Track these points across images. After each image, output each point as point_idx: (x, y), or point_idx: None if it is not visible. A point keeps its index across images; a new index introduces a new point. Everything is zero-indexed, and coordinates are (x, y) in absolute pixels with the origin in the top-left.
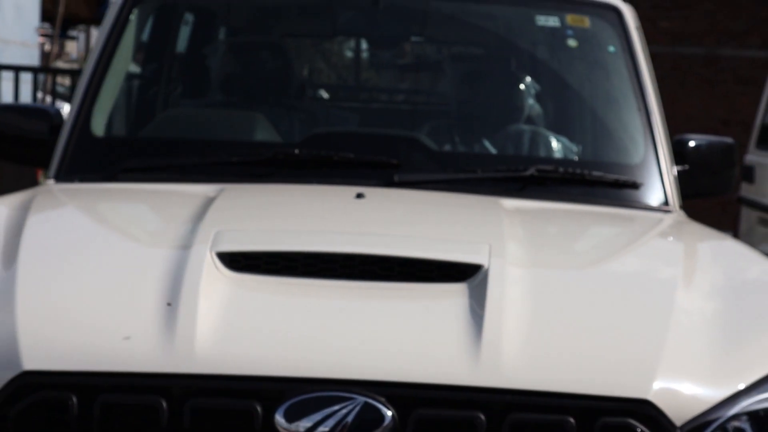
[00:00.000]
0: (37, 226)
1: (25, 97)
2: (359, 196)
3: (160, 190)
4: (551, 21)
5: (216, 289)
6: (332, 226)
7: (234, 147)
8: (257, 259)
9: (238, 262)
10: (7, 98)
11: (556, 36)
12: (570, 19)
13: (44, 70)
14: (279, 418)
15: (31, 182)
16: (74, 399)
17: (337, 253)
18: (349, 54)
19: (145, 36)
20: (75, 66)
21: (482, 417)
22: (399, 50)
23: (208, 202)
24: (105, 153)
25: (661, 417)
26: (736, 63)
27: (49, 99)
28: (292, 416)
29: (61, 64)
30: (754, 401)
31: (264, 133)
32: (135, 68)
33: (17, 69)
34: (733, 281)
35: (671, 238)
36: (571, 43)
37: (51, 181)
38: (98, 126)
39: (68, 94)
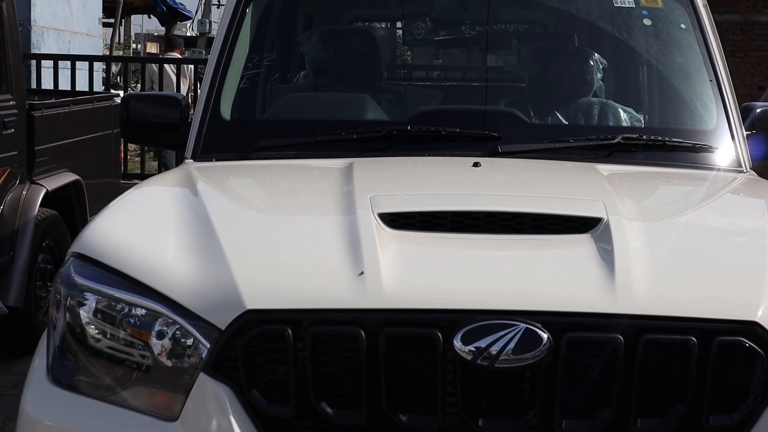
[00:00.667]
0: (213, 195)
1: (98, 85)
2: (476, 164)
3: (296, 165)
4: (628, 3)
5: (385, 243)
6: (465, 189)
7: (352, 125)
8: (412, 218)
9: (396, 221)
10: (83, 86)
11: (633, 15)
12: (644, 0)
13: (115, 59)
14: (457, 343)
15: None
16: (289, 331)
17: (480, 211)
18: (442, 42)
19: (259, 29)
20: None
21: (621, 338)
22: (485, 32)
23: (346, 173)
24: (236, 134)
25: (766, 335)
26: None
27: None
28: (467, 341)
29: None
30: None
31: (374, 112)
32: (253, 57)
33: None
34: None
35: (750, 193)
36: (646, 21)
37: (189, 161)
38: (226, 111)
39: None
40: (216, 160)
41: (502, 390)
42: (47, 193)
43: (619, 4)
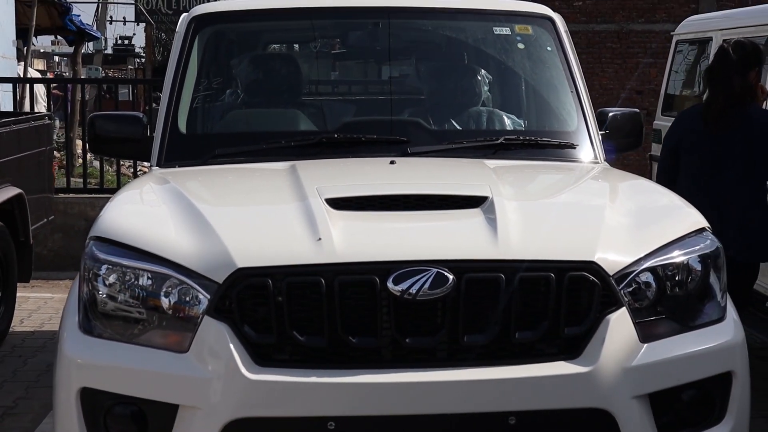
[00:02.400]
0: (191, 184)
1: (8, 106)
2: (392, 162)
3: (249, 167)
4: (505, 30)
5: (333, 219)
6: (386, 180)
7: (290, 135)
8: (350, 201)
9: (338, 204)
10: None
11: (509, 40)
12: (518, 28)
13: (25, 80)
14: (389, 284)
15: None
16: (270, 282)
17: (399, 194)
18: (357, 63)
19: (204, 55)
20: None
21: (503, 276)
22: (394, 58)
23: (292, 172)
24: (193, 145)
25: (601, 270)
26: (645, 37)
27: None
28: (396, 282)
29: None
30: (651, 262)
31: (305, 124)
32: (202, 80)
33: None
34: (640, 197)
35: (599, 177)
36: (520, 45)
37: (156, 168)
38: (183, 126)
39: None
40: (179, 167)
41: (421, 316)
42: None
43: (497, 32)
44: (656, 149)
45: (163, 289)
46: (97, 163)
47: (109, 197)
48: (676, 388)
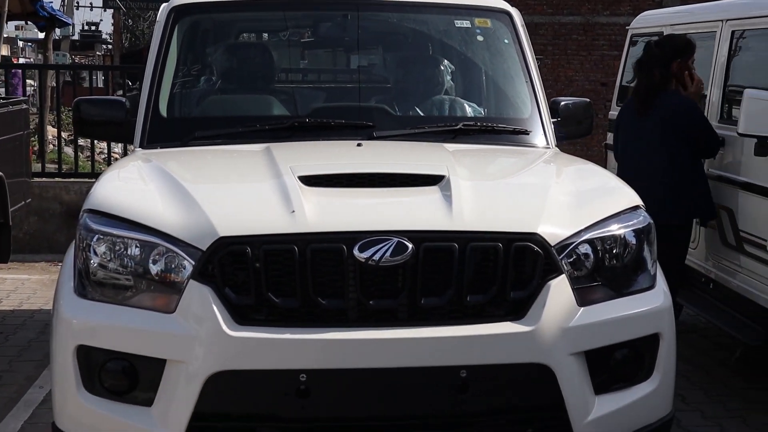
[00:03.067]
0: (173, 164)
1: None
2: (359, 144)
3: (227, 149)
4: (465, 23)
5: (305, 194)
6: (353, 159)
7: (264, 120)
8: (321, 178)
9: (310, 181)
10: None
11: (469, 33)
12: (477, 21)
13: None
14: (355, 252)
15: None
16: (248, 249)
17: (364, 173)
18: (326, 52)
19: (183, 43)
20: None
21: (456, 245)
22: (362, 48)
23: (266, 152)
24: (173, 128)
25: (543, 241)
26: (610, 30)
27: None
28: (361, 250)
29: None
30: (589, 235)
31: (279, 109)
32: (181, 67)
33: None
34: (582, 178)
35: (548, 160)
36: (479, 38)
37: (139, 149)
38: (163, 109)
39: None
40: (161, 148)
41: (384, 281)
42: None
43: (458, 25)
44: (611, 138)
45: (152, 257)
46: (69, 150)
47: (84, 181)
48: (609, 347)
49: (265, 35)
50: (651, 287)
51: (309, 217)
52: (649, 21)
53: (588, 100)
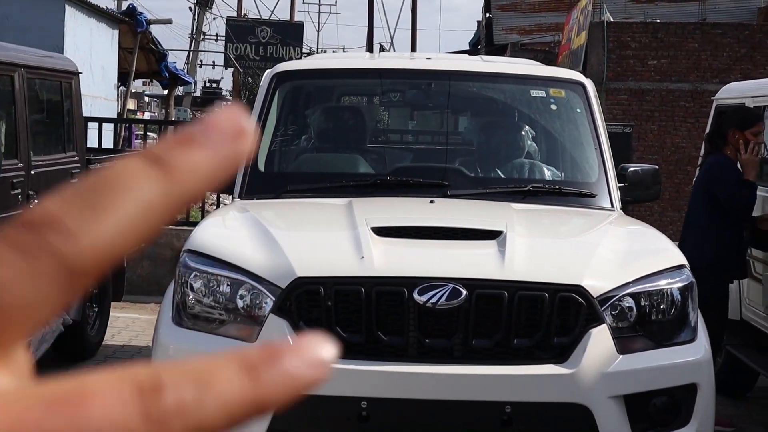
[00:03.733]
0: (265, 213)
1: (108, 142)
2: (431, 201)
3: (314, 201)
4: (540, 93)
5: (375, 243)
6: (422, 215)
7: (350, 176)
8: (390, 230)
9: (381, 232)
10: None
11: (544, 102)
12: (552, 91)
13: (126, 120)
14: (415, 295)
15: None
16: (321, 289)
17: (430, 226)
18: (409, 116)
19: (284, 105)
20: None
21: (506, 293)
22: (446, 113)
23: (348, 206)
24: (269, 181)
25: (586, 292)
26: None
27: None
28: (421, 294)
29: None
30: (632, 289)
31: (364, 167)
32: (279, 126)
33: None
34: (633, 238)
35: (607, 223)
36: (553, 106)
37: (237, 199)
38: (262, 165)
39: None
40: (257, 199)
41: (440, 322)
42: None
43: (533, 94)
44: None
45: (239, 292)
46: None
47: (193, 230)
48: (647, 393)
49: (358, 99)
50: (691, 340)
51: (376, 263)
52: (733, 92)
53: (656, 167)
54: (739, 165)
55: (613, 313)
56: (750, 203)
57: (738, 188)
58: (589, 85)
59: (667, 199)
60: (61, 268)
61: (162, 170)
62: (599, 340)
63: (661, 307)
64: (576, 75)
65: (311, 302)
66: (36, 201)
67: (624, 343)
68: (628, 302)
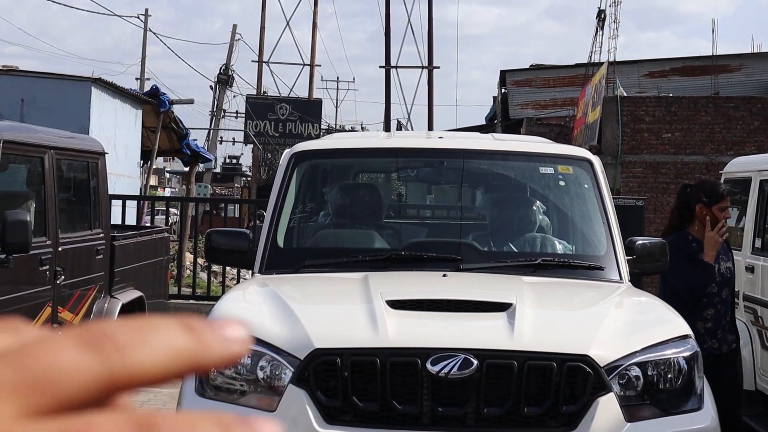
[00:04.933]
0: (284, 287)
1: (131, 218)
2: (444, 275)
3: (331, 276)
4: (549, 169)
5: (390, 316)
6: (435, 288)
7: (366, 251)
8: (405, 303)
9: (396, 305)
10: (129, 220)
11: (552, 178)
12: (560, 168)
13: (148, 198)
14: (428, 365)
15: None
16: (338, 359)
17: (443, 299)
18: (423, 192)
19: (301, 184)
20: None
21: (515, 363)
22: (454, 188)
23: (363, 280)
24: (288, 257)
25: (593, 362)
26: None
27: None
28: (433, 364)
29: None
30: (639, 358)
31: (380, 242)
32: (297, 204)
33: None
34: (640, 309)
35: (615, 294)
36: (561, 182)
37: (258, 274)
38: (281, 241)
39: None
40: (276, 273)
41: (452, 391)
42: (122, 306)
43: (542, 171)
44: None
45: (260, 363)
46: (204, 275)
47: (215, 304)
48: None
49: (373, 177)
50: (698, 408)
51: (390, 335)
52: (739, 166)
53: (663, 240)
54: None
55: (620, 381)
56: (701, 286)
57: (690, 274)
58: (596, 161)
59: None
60: (104, 372)
61: (192, 332)
62: (607, 409)
63: (668, 375)
64: (583, 152)
65: (329, 372)
66: (63, 277)
67: (631, 411)
68: (635, 371)
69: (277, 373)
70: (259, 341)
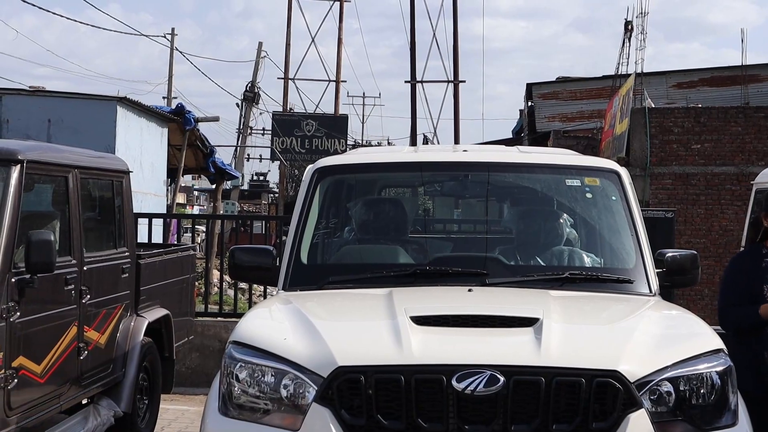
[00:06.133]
0: (308, 304)
1: (158, 236)
2: (470, 290)
3: (356, 292)
4: (576, 182)
5: (414, 332)
6: (460, 303)
7: (390, 267)
8: (429, 319)
9: (420, 321)
10: (155, 238)
11: (579, 190)
12: (587, 180)
13: (174, 216)
14: (454, 382)
15: None
16: (362, 377)
17: (468, 314)
18: (448, 206)
19: (324, 200)
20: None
21: (543, 379)
22: (480, 202)
23: (388, 296)
24: (312, 273)
25: (623, 378)
26: None
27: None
28: (459, 380)
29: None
30: (670, 374)
31: (404, 257)
32: (321, 220)
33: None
34: (670, 323)
35: (645, 308)
36: (588, 195)
37: (281, 291)
38: (304, 257)
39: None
40: (300, 290)
41: (478, 409)
42: (148, 324)
43: (569, 183)
44: None
45: (283, 382)
46: (231, 292)
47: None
48: None
49: (396, 192)
50: (733, 424)
51: (415, 352)
52: None
53: (695, 252)
54: None
55: (651, 397)
56: (739, 325)
57: (731, 306)
58: (624, 173)
59: (717, 283)
60: None
61: None
62: (638, 425)
63: (701, 391)
64: (610, 164)
65: (352, 391)
66: (88, 296)
67: (664, 427)
68: (667, 387)
69: (300, 391)
70: (282, 359)
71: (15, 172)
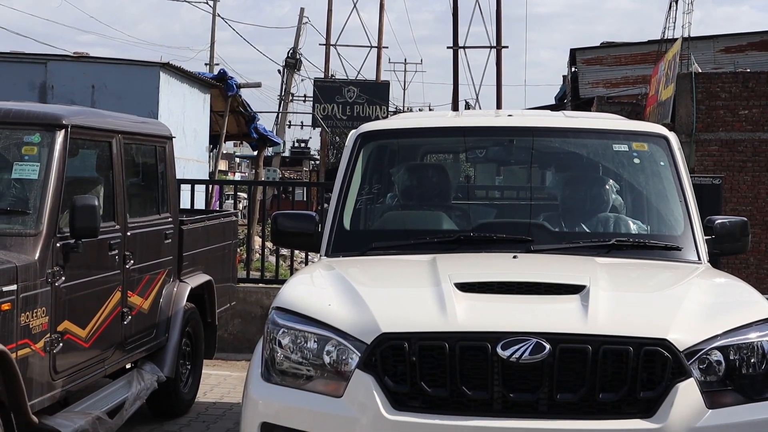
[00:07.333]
0: (351, 270)
1: (200, 203)
2: (515, 257)
3: (399, 258)
4: (623, 147)
5: (459, 299)
6: (505, 270)
7: (434, 233)
8: (473, 286)
9: (464, 287)
10: (198, 204)
11: (626, 156)
12: (635, 145)
13: (217, 182)
14: (499, 350)
15: None
16: (406, 344)
17: (513, 281)
18: (492, 173)
19: (367, 165)
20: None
21: (590, 348)
22: (524, 168)
23: (431, 262)
24: (354, 239)
25: (672, 346)
26: None
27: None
28: (504, 348)
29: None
30: (720, 342)
31: (448, 223)
32: (363, 186)
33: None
34: (720, 291)
35: (694, 276)
36: (636, 160)
37: (324, 257)
38: (347, 223)
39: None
40: (343, 256)
41: (524, 377)
42: (191, 290)
43: (616, 148)
44: None
45: (326, 348)
46: (272, 258)
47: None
48: None
49: (441, 157)
50: None
51: (459, 318)
52: None
53: (745, 219)
54: None
55: (700, 366)
56: None
57: None
58: (673, 138)
59: (763, 251)
60: None
61: None
62: (687, 395)
63: (751, 360)
64: (659, 128)
65: (396, 357)
66: (132, 262)
67: (713, 397)
68: (716, 356)
69: (343, 357)
70: (326, 326)
71: (59, 137)
